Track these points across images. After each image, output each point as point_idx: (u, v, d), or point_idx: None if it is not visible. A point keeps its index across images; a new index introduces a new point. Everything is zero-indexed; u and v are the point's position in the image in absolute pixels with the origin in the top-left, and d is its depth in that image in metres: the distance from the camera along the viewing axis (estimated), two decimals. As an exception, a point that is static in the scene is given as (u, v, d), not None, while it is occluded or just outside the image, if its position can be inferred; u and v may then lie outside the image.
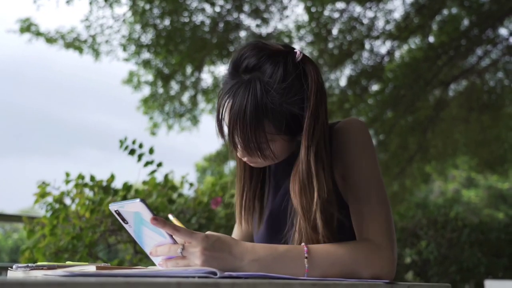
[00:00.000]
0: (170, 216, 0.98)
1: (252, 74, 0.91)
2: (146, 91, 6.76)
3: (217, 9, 5.69)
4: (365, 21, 6.13)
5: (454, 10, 6.49)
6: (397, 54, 6.98)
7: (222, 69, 7.11)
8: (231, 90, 0.90)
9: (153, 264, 0.88)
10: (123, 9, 8.26)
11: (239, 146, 0.94)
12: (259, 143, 0.91)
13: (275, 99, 0.89)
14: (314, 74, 0.93)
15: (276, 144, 0.94)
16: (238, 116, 0.88)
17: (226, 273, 0.68)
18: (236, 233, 1.22)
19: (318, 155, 0.91)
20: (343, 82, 6.80)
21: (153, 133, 7.12)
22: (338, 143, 1.00)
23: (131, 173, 2.51)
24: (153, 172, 2.43)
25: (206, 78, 8.06)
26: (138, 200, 0.75)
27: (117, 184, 2.32)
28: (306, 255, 0.80)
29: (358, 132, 0.99)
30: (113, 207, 0.81)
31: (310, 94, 0.91)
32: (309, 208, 0.89)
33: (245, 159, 0.99)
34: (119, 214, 0.81)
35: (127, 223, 0.83)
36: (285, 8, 5.95)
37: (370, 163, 0.96)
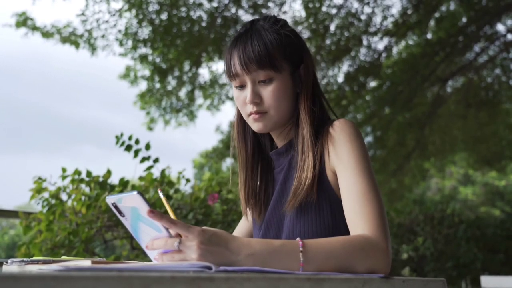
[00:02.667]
0: (160, 193, 0.97)
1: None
2: (143, 86, 6.75)
3: (215, 4, 5.67)
4: (363, 17, 6.12)
5: (452, 7, 6.49)
6: (394, 50, 6.98)
7: (219, 65, 7.09)
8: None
9: (150, 260, 0.88)
10: (119, 4, 8.23)
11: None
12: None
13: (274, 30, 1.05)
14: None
15: (276, 84, 1.02)
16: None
17: (222, 268, 0.67)
18: (241, 226, 1.25)
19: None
20: (340, 78, 6.80)
21: (150, 128, 7.11)
22: (329, 141, 1.00)
23: (129, 169, 2.51)
24: (149, 168, 2.42)
25: (204, 73, 8.03)
26: (135, 192, 0.75)
27: (114, 179, 2.31)
28: (301, 249, 0.80)
29: (348, 130, 1.00)
30: (110, 200, 0.80)
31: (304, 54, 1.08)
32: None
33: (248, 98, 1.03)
34: (116, 207, 0.81)
35: (123, 216, 0.82)
36: (283, 3, 5.94)
37: (362, 159, 0.97)
